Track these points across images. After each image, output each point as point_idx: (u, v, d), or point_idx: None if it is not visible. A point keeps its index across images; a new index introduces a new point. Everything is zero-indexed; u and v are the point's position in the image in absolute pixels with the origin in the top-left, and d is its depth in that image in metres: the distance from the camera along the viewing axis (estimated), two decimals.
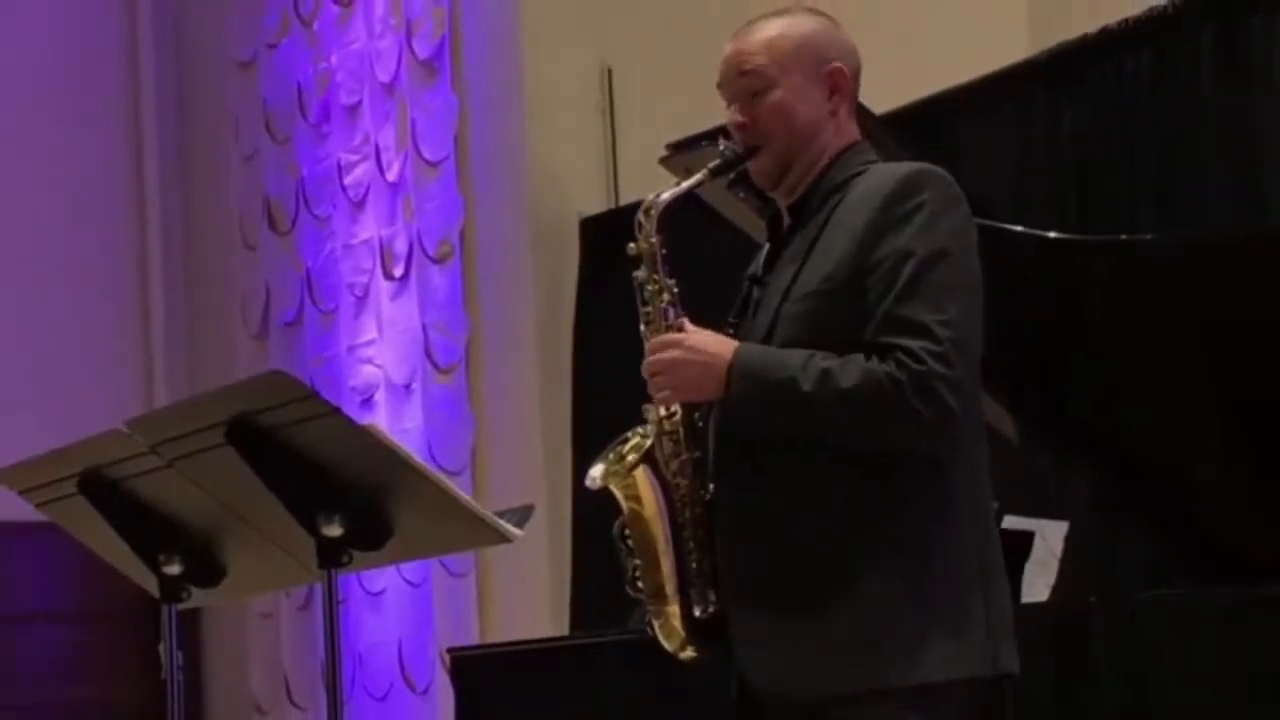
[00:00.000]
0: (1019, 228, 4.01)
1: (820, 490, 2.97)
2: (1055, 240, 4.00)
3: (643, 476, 3.07)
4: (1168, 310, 3.83)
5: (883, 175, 3.05)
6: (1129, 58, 5.33)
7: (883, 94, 4.33)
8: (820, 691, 2.95)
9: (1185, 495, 4.00)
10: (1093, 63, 5.42)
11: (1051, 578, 4.26)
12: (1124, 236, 4.42)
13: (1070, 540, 4.29)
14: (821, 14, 3.19)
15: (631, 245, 3.14)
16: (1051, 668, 3.69)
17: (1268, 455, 3.79)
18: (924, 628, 2.91)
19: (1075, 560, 4.24)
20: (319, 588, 3.32)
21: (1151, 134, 5.28)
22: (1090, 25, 5.43)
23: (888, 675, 2.91)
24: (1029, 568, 4.32)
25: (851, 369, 2.91)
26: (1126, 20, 5.34)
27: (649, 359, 3.06)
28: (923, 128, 5.48)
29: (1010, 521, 4.24)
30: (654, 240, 3.12)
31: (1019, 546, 4.30)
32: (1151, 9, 5.28)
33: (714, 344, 3.02)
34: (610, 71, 6.97)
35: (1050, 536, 4.32)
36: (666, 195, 3.13)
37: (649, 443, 3.08)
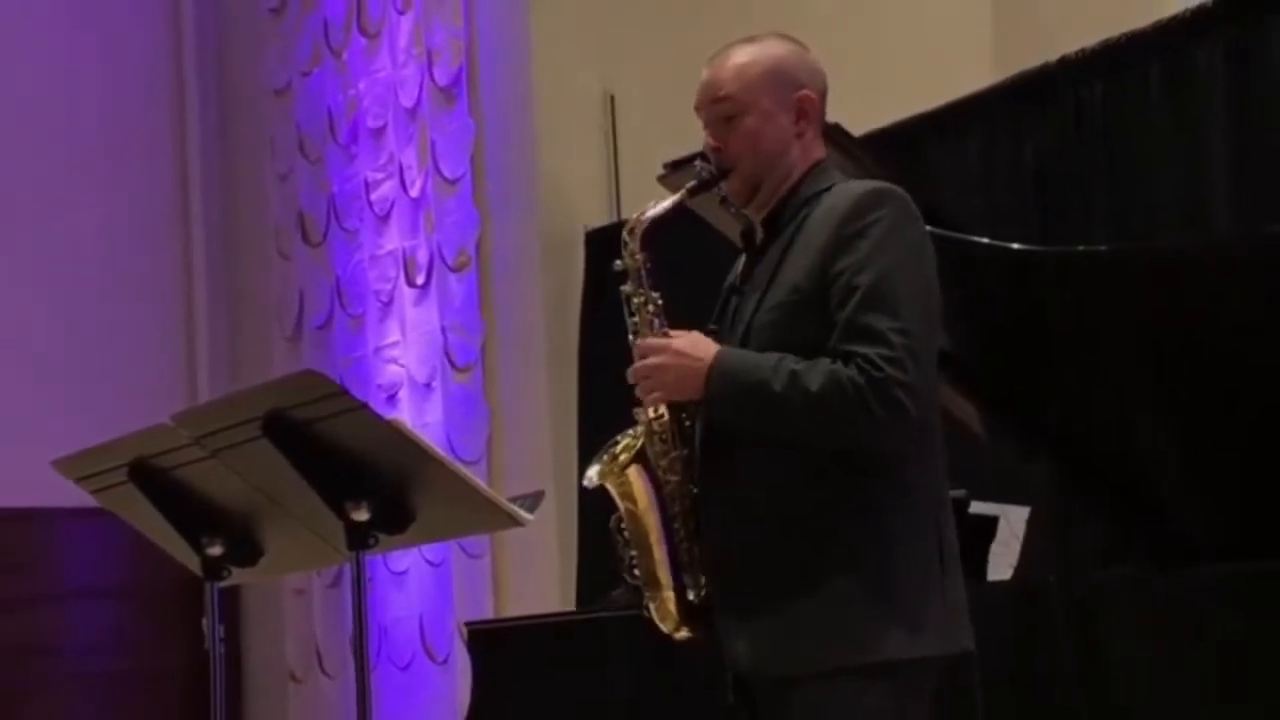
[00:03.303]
0: (985, 240, 4.01)
1: (792, 488, 2.95)
2: (1018, 251, 3.99)
3: (635, 475, 3.04)
4: (1121, 315, 3.82)
5: (844, 193, 3.02)
6: (1085, 85, 5.33)
7: (860, 117, 4.33)
8: (794, 670, 2.93)
9: (1137, 484, 3.99)
10: (1052, 89, 5.42)
11: (1014, 558, 4.26)
12: (1081, 248, 4.41)
13: (1031, 524, 4.29)
14: (790, 39, 3.16)
15: (618, 261, 3.13)
16: (1013, 640, 3.69)
17: (1212, 448, 3.78)
18: (889, 611, 2.89)
19: (1036, 542, 4.23)
20: (348, 567, 3.32)
21: (1106, 154, 5.28)
22: (1049, 55, 5.43)
23: (855, 655, 2.89)
24: (994, 549, 4.31)
25: (818, 372, 2.88)
26: (1083, 50, 5.33)
27: (636, 364, 3.04)
28: (896, 148, 5.48)
29: (977, 507, 4.24)
30: (639, 256, 3.10)
31: (985, 530, 4.30)
32: (1105, 40, 5.28)
33: (697, 348, 3.00)
34: (613, 97, 6.98)
35: (1013, 520, 4.32)
36: (649, 214, 3.11)
37: (640, 443, 3.05)
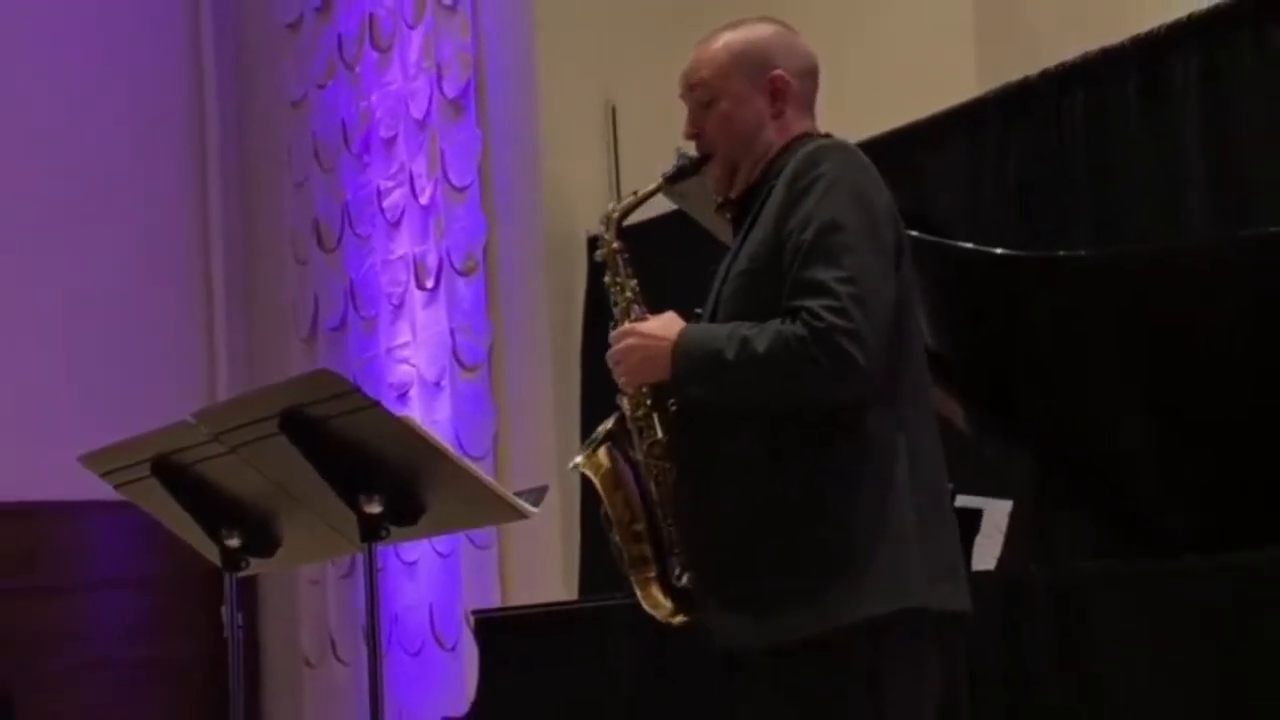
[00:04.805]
0: (969, 245, 4.00)
1: (753, 457, 2.87)
2: (1001, 256, 3.98)
3: (605, 456, 3.00)
4: (1098, 317, 3.82)
5: (795, 158, 2.94)
6: (1066, 96, 5.32)
7: (851, 127, 4.32)
8: (772, 640, 2.85)
9: (1114, 479, 3.99)
10: (1034, 101, 5.41)
11: (998, 550, 4.25)
12: (1061, 253, 4.41)
13: (1014, 517, 4.28)
14: (775, 21, 3.08)
15: (597, 253, 3.09)
16: (998, 627, 3.69)
17: (1185, 445, 3.78)
18: (860, 574, 2.79)
19: (1018, 535, 4.23)
20: (361, 558, 3.33)
21: (1085, 163, 5.28)
22: (1032, 68, 5.43)
23: (824, 622, 2.80)
24: (978, 541, 4.30)
25: (765, 334, 2.80)
26: (1063, 64, 5.33)
27: (609, 350, 2.99)
28: (886, 157, 5.45)
29: (962, 501, 4.23)
30: (615, 246, 3.06)
31: (969, 522, 4.28)
32: (1085, 54, 5.28)
33: (661, 328, 2.93)
34: (614, 107, 6.97)
35: (996, 514, 4.31)
36: (623, 205, 3.08)
37: (610, 427, 3.01)
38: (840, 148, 2.94)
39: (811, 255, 2.81)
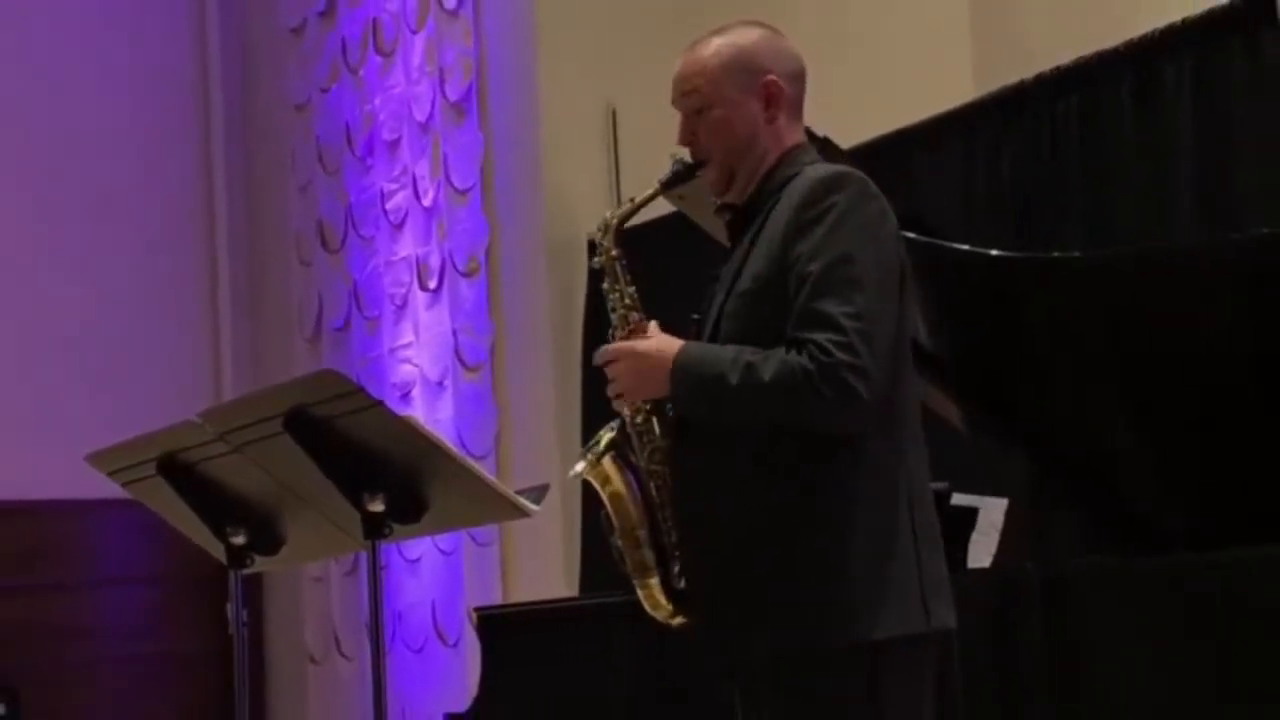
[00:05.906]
0: (965, 246, 4.00)
1: (757, 473, 2.86)
2: (995, 257, 3.98)
3: (611, 466, 2.98)
4: (1093, 317, 3.82)
5: (804, 179, 2.91)
6: (1060, 100, 5.33)
7: (847, 131, 4.32)
8: (770, 649, 2.84)
9: (1109, 478, 3.99)
10: (1029, 104, 5.42)
11: (993, 547, 4.25)
12: (1055, 254, 4.41)
13: (1009, 515, 4.28)
14: (761, 25, 3.05)
15: (595, 260, 3.07)
16: (991, 624, 3.69)
17: (1180, 444, 3.78)
18: (862, 591, 2.79)
19: (1013, 532, 4.23)
20: (364, 555, 3.31)
21: (1079, 166, 5.28)
22: (1026, 72, 5.43)
23: (829, 636, 2.80)
24: (974, 538, 4.30)
25: (771, 362, 2.79)
26: (1057, 67, 5.34)
27: (605, 363, 2.97)
28: (883, 159, 5.47)
29: (958, 499, 4.23)
30: (613, 254, 3.03)
31: (965, 520, 4.29)
32: (1079, 58, 5.28)
33: (661, 345, 2.92)
34: (615, 112, 6.97)
35: (992, 512, 4.31)
36: (620, 212, 3.05)
37: (614, 436, 3.00)
38: (849, 177, 2.90)
39: (820, 288, 2.80)
